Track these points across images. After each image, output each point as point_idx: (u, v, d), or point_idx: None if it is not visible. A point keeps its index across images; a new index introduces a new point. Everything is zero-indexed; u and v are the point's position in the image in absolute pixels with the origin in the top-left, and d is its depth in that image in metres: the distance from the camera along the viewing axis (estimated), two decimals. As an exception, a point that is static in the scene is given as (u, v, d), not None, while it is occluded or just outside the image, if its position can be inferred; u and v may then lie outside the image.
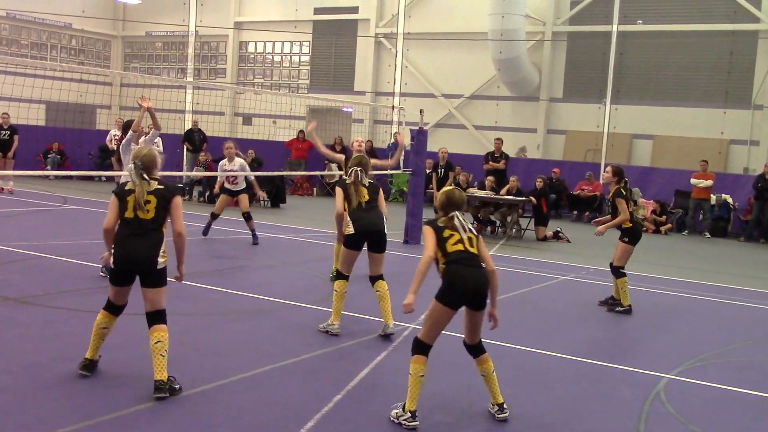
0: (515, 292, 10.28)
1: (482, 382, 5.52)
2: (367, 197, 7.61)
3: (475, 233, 5.47)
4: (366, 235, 7.51)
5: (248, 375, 6.05)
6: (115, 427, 4.89)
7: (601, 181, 15.05)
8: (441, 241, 5.33)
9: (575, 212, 21.52)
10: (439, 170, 16.97)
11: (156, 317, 5.58)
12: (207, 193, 19.27)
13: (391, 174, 21.60)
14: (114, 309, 5.82)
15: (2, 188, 18.80)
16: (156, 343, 5.49)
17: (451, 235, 5.34)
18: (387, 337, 7.40)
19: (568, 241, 16.36)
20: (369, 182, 7.76)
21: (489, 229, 17.22)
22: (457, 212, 5.46)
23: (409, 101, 25.71)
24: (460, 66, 26.62)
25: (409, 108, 22.86)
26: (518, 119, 26.15)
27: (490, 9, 23.76)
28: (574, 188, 21.68)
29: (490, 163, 18.14)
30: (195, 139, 22.28)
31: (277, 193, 19.48)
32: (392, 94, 27.53)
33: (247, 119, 30.00)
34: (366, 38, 28.41)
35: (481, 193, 16.85)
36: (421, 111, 14.92)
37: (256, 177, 18.73)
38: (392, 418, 5.25)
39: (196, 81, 30.09)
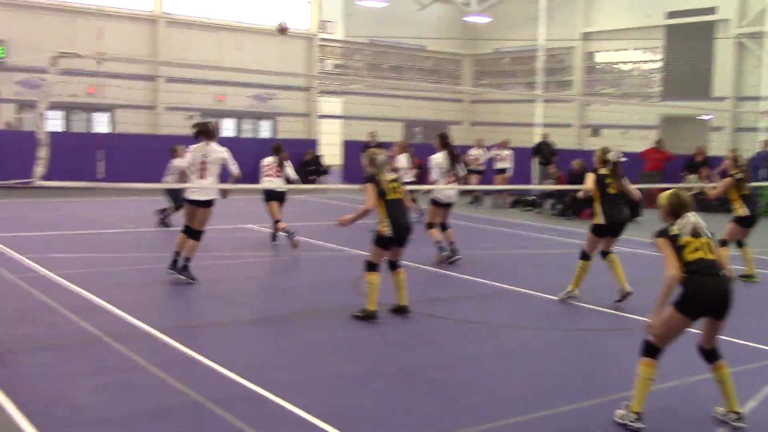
0: None
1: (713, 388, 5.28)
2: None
3: (711, 235, 5.18)
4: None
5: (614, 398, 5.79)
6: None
7: None
8: (678, 251, 5.02)
9: None
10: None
11: (398, 264, 7.97)
12: (559, 206, 19.15)
13: (762, 186, 19.71)
14: (377, 267, 7.79)
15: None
16: (403, 279, 7.97)
17: (688, 243, 5.06)
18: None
19: None
20: None
21: None
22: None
23: (778, 105, 23.35)
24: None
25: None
26: None
27: None
28: None
29: None
30: (545, 152, 22.31)
31: (632, 206, 18.72)
32: (757, 98, 25.22)
33: (595, 130, 29.47)
34: (725, 40, 26.39)
35: None
36: (800, 116, 13.45)
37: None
38: (617, 419, 5.17)
39: (545, 94, 30.29)
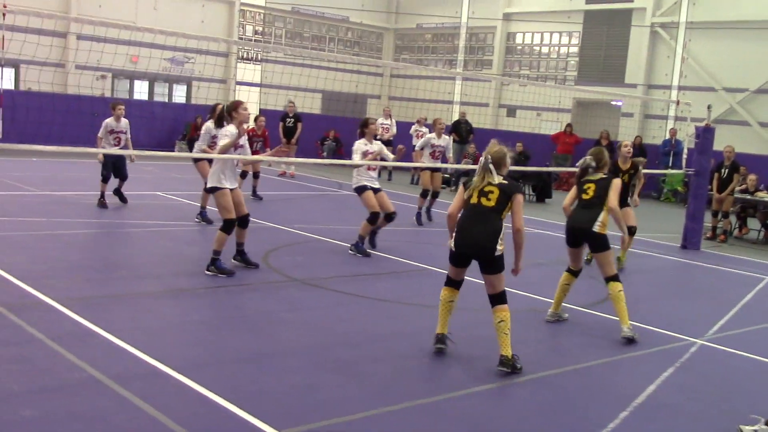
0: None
1: None
2: None
3: None
4: None
5: (537, 377, 5.87)
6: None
7: None
8: None
9: None
10: (723, 170, 15.64)
11: (497, 299, 5.97)
12: (472, 185, 19.30)
13: (664, 173, 20.40)
14: (454, 284, 6.22)
15: (285, 172, 20.17)
16: (499, 322, 5.90)
17: None
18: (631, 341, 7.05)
19: None
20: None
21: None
22: None
23: (687, 95, 24.06)
24: (746, 57, 24.41)
25: (684, 101, 21.43)
26: (813, 116, 23.57)
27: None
28: None
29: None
30: (462, 130, 22.41)
31: (543, 187, 19.10)
32: (667, 87, 25.97)
33: (511, 111, 29.83)
34: (641, 28, 27.03)
35: (772, 198, 15.35)
36: (708, 107, 13.95)
37: (523, 172, 18.49)
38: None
39: (464, 72, 30.41)
